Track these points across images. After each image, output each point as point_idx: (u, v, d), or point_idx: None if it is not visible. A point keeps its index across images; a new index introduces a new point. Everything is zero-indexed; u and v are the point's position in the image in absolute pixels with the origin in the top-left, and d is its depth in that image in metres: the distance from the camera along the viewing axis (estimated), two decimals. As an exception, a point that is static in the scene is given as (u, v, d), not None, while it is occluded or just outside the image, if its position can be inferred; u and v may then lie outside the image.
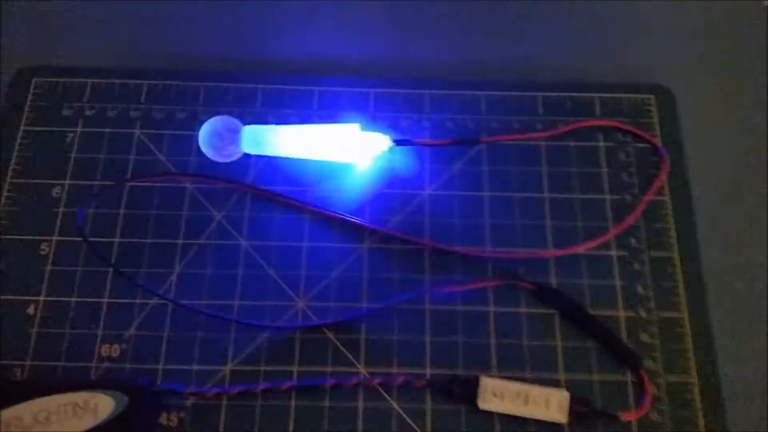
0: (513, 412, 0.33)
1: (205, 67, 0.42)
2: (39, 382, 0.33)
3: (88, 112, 0.40)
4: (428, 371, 0.34)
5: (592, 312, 0.35)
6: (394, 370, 0.34)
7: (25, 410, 0.30)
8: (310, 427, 0.33)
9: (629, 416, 0.33)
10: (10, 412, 0.30)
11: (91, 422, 0.30)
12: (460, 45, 0.43)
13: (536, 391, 0.33)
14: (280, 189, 0.38)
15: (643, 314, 0.36)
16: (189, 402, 0.34)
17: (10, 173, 0.38)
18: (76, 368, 0.34)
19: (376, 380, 0.34)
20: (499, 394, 0.33)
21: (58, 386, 0.31)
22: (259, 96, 0.41)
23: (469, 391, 0.33)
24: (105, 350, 0.35)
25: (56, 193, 0.38)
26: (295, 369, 0.34)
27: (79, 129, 0.40)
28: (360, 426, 0.33)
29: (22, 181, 0.38)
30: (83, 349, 0.35)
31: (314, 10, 0.44)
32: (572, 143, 0.39)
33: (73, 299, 0.36)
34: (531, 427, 0.33)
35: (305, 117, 0.40)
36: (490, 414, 0.33)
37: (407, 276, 0.37)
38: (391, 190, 0.38)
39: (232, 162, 0.38)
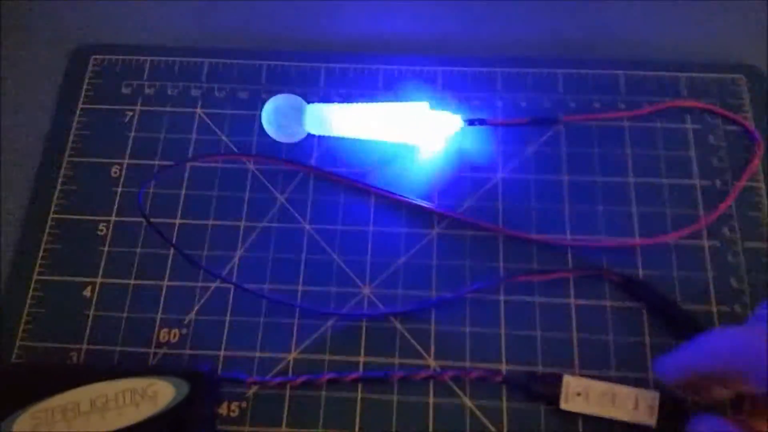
0: (598, 413, 0.30)
1: (267, 46, 0.40)
2: (97, 367, 0.31)
3: (147, 91, 0.39)
4: (504, 367, 0.32)
5: (682, 306, 0.32)
6: (466, 364, 0.32)
7: (82, 395, 0.29)
8: (378, 422, 0.31)
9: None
10: (66, 397, 0.29)
11: (150, 410, 0.29)
12: (534, 20, 0.41)
13: (624, 390, 0.30)
14: (344, 171, 0.36)
15: (738, 310, 0.33)
16: (250, 391, 0.32)
17: (68, 151, 0.37)
18: (133, 353, 0.33)
19: (448, 374, 0.32)
20: (583, 394, 0.30)
21: (117, 371, 0.30)
22: (323, 75, 0.39)
23: (550, 389, 0.31)
24: (164, 335, 0.33)
25: (115, 173, 0.37)
26: (360, 359, 0.32)
27: (138, 107, 0.38)
28: (431, 422, 0.31)
29: (81, 159, 0.37)
30: (141, 334, 0.33)
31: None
32: (658, 124, 0.37)
33: (131, 281, 0.34)
34: (617, 429, 0.30)
35: (370, 97, 0.38)
36: (572, 414, 0.31)
37: (479, 264, 0.34)
38: (461, 173, 0.36)
39: (295, 143, 0.37)
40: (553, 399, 0.31)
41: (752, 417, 0.28)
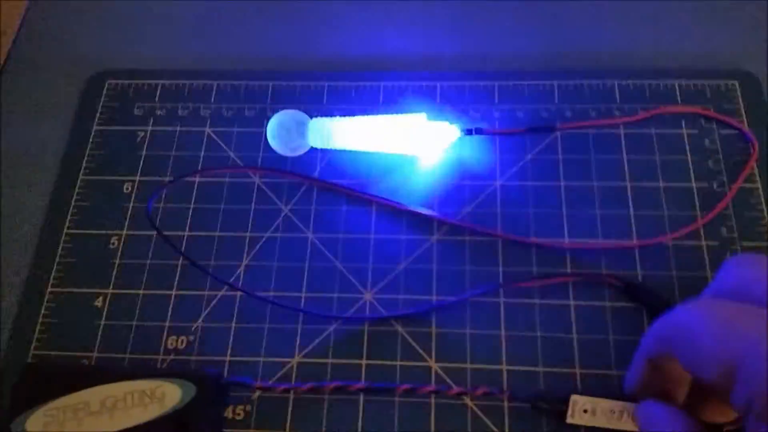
0: (604, 426, 0.30)
1: (273, 67, 0.42)
2: (107, 369, 0.32)
3: (159, 112, 0.41)
4: (504, 367, 0.32)
5: (682, 306, 0.33)
6: (468, 365, 0.32)
7: (92, 395, 0.30)
8: (381, 425, 0.31)
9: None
10: (77, 397, 0.30)
11: (157, 411, 0.30)
12: (529, 33, 0.42)
13: (632, 407, 0.29)
14: (346, 182, 0.37)
15: (740, 309, 0.33)
16: (256, 395, 0.32)
17: (82, 170, 0.39)
18: (142, 360, 0.34)
19: (453, 391, 0.32)
20: (590, 411, 0.30)
21: (127, 373, 0.31)
22: (326, 93, 0.41)
23: (556, 407, 0.30)
24: (171, 342, 0.34)
25: (127, 189, 0.38)
26: (363, 362, 0.33)
27: (149, 127, 0.40)
28: (432, 425, 0.31)
29: (94, 177, 0.39)
30: (150, 341, 0.34)
31: (377, 8, 0.44)
32: (653, 130, 0.37)
33: (141, 291, 0.35)
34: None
35: (371, 112, 0.39)
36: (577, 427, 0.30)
37: (479, 269, 0.35)
38: (460, 182, 0.37)
39: (299, 157, 0.38)
40: (559, 415, 0.30)
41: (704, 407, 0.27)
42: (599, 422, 0.29)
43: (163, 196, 0.38)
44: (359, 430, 0.31)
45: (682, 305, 0.25)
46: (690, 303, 0.25)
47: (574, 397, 0.30)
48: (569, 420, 0.30)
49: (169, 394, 0.30)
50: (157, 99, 0.41)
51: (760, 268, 0.25)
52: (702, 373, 0.23)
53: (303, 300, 0.35)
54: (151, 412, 0.30)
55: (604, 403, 0.29)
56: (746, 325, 0.22)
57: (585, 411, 0.30)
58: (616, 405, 0.29)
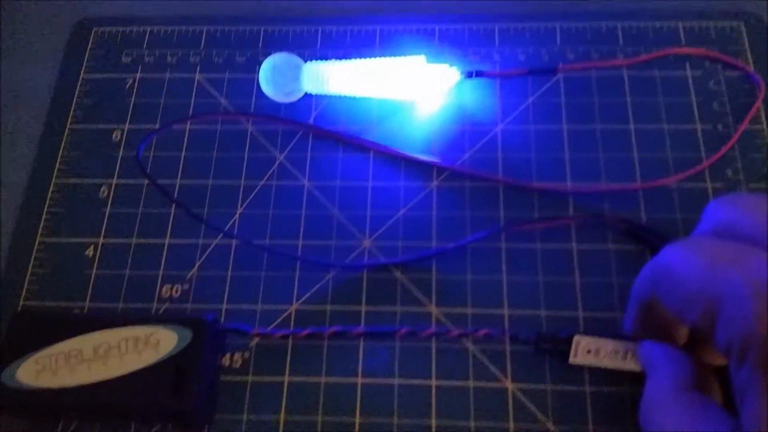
0: (607, 366, 0.29)
1: (264, 12, 0.40)
2: (100, 316, 0.31)
3: (147, 59, 0.39)
4: (506, 311, 0.32)
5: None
6: (468, 310, 0.32)
7: (85, 342, 0.29)
8: (380, 367, 0.31)
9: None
10: (69, 344, 0.29)
11: (152, 357, 0.29)
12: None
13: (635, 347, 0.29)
14: (342, 129, 0.36)
15: (745, 251, 0.32)
16: (253, 342, 0.32)
17: (70, 119, 0.38)
18: (136, 309, 0.33)
19: (454, 332, 0.31)
20: (593, 351, 0.29)
21: (120, 320, 0.30)
22: (320, 37, 0.39)
23: (559, 348, 0.30)
24: (166, 291, 0.33)
25: (116, 137, 0.37)
26: (362, 309, 0.32)
27: (138, 74, 0.39)
28: (433, 368, 0.31)
29: (82, 126, 0.38)
30: (143, 290, 0.33)
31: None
32: (657, 73, 0.36)
33: (133, 240, 0.34)
34: (627, 380, 0.30)
35: (368, 57, 0.38)
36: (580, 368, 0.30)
37: (480, 214, 0.34)
38: (460, 127, 0.36)
39: (293, 103, 0.37)
40: (561, 355, 0.30)
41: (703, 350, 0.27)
42: (603, 362, 0.29)
43: (154, 144, 0.36)
44: (359, 375, 0.31)
45: (668, 246, 0.24)
46: (675, 243, 0.24)
47: (577, 338, 0.29)
48: (572, 360, 0.29)
49: (165, 340, 0.29)
50: (145, 46, 0.40)
51: (742, 206, 0.24)
52: (684, 315, 0.22)
53: (300, 248, 0.34)
54: (146, 358, 0.29)
55: (607, 344, 0.29)
56: (728, 264, 0.21)
57: (588, 351, 0.29)
58: (620, 345, 0.29)
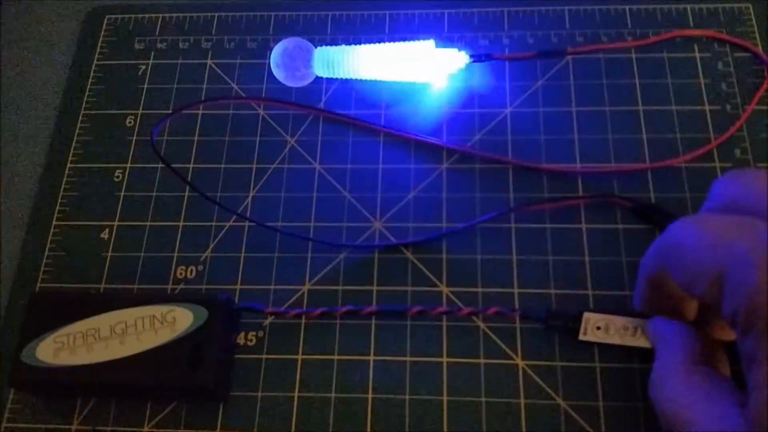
0: (617, 342, 0.29)
1: (274, -2, 0.41)
2: (116, 296, 0.32)
3: (160, 45, 0.40)
4: (516, 290, 0.32)
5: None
6: (479, 289, 0.32)
7: (102, 321, 0.30)
8: (393, 347, 0.31)
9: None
10: (86, 323, 0.30)
11: (168, 335, 0.29)
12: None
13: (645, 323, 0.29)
14: (353, 112, 0.37)
15: (754, 231, 0.32)
16: (267, 321, 0.32)
17: (84, 105, 0.38)
18: (150, 290, 0.33)
19: (464, 311, 0.31)
20: (603, 328, 0.29)
21: (137, 299, 0.30)
22: (330, 22, 0.40)
23: (569, 324, 0.30)
24: (181, 272, 0.34)
25: (130, 123, 0.38)
26: (374, 288, 0.33)
27: (151, 61, 0.39)
28: (444, 346, 0.31)
29: (96, 112, 0.38)
30: (158, 272, 0.34)
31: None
32: (666, 54, 0.37)
33: (148, 223, 0.35)
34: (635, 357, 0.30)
35: (377, 42, 0.38)
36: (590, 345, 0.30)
37: (490, 196, 0.34)
38: (469, 110, 0.36)
39: (303, 87, 0.37)
40: (571, 332, 0.30)
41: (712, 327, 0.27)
42: (612, 339, 0.29)
43: (167, 129, 0.37)
44: (371, 353, 0.31)
45: (676, 221, 0.25)
46: (682, 219, 0.24)
47: (586, 315, 0.29)
48: (582, 337, 0.30)
49: (180, 319, 0.30)
50: (157, 32, 0.40)
51: (744, 182, 0.24)
52: (692, 287, 0.23)
53: (312, 230, 0.34)
54: (162, 336, 0.29)
55: (617, 320, 0.29)
56: (734, 235, 0.21)
57: (598, 328, 0.29)
58: (630, 322, 0.29)
